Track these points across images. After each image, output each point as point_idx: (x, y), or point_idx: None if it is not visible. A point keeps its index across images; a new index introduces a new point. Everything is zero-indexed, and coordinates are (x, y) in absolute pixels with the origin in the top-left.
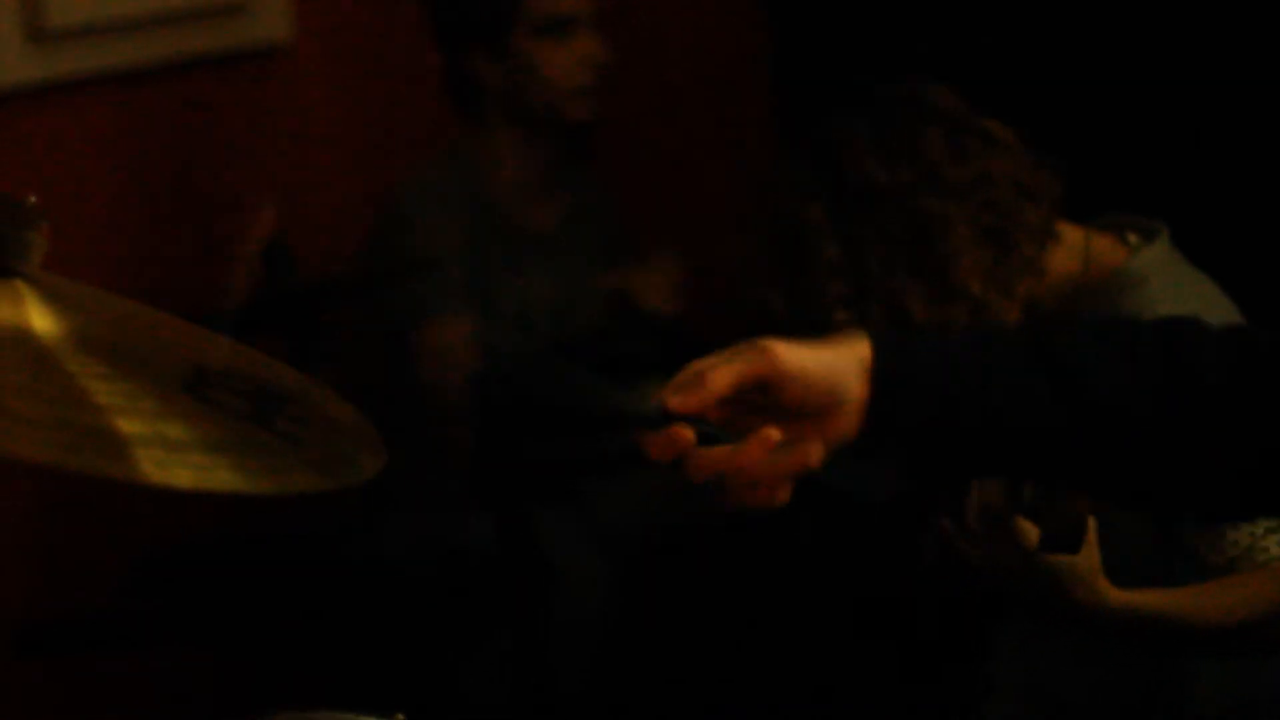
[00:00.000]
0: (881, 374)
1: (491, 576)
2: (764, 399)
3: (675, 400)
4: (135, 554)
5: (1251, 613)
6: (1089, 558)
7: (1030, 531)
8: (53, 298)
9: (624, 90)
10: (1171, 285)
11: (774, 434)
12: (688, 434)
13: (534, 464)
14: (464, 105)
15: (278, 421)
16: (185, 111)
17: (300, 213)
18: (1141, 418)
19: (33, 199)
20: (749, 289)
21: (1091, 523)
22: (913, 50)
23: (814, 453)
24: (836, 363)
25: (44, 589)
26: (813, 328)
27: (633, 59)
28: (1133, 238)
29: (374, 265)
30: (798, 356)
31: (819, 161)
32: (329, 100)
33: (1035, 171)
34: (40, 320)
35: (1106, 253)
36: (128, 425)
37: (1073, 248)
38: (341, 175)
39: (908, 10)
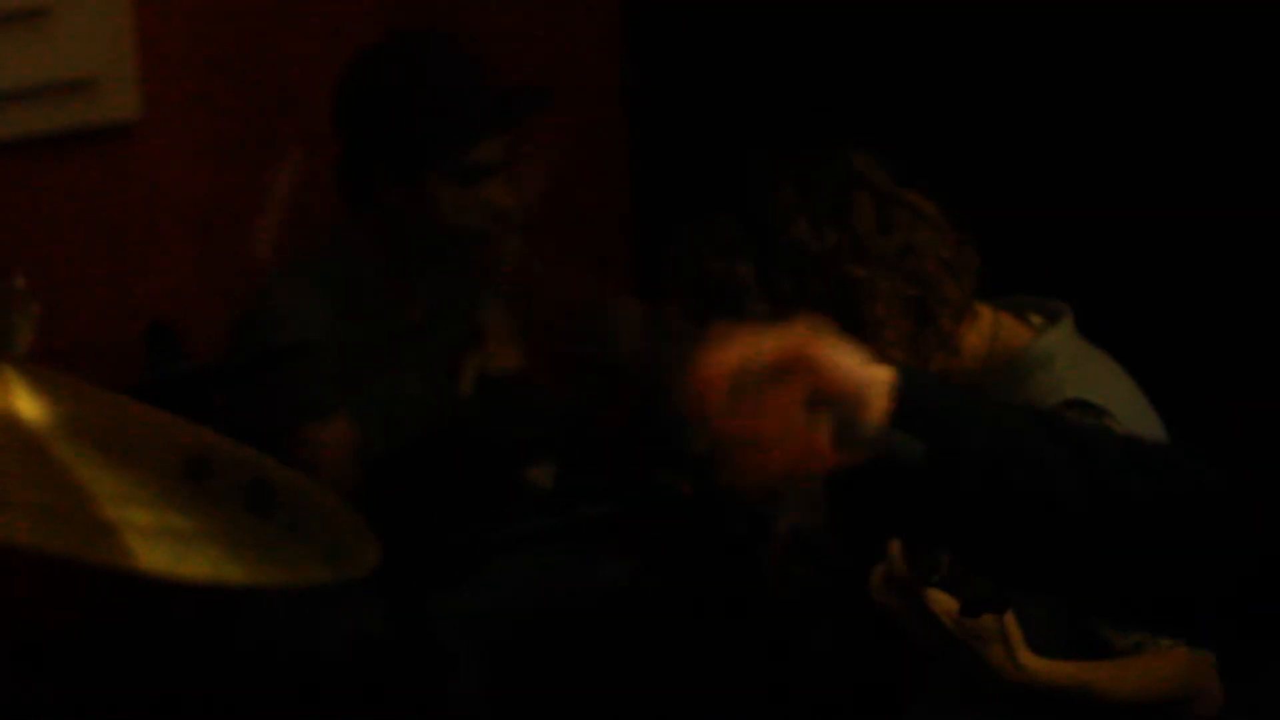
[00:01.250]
0: (905, 396)
1: (383, 662)
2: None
3: (717, 352)
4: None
5: (1161, 693)
6: (1011, 626)
7: (944, 601)
8: (38, 384)
9: None
10: (1076, 367)
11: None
12: (726, 370)
13: (428, 548)
14: (348, 196)
15: (277, 513)
16: (33, 189)
17: (149, 290)
18: (1141, 503)
19: (20, 281)
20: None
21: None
22: (773, 128)
23: (824, 440)
24: (870, 370)
25: None
26: None
27: None
28: (1035, 318)
29: (248, 355)
30: (841, 349)
31: (749, 219)
32: (179, 178)
33: (957, 247)
34: (28, 407)
35: (1012, 333)
36: (137, 516)
37: (983, 326)
38: (195, 253)
39: (769, 91)
